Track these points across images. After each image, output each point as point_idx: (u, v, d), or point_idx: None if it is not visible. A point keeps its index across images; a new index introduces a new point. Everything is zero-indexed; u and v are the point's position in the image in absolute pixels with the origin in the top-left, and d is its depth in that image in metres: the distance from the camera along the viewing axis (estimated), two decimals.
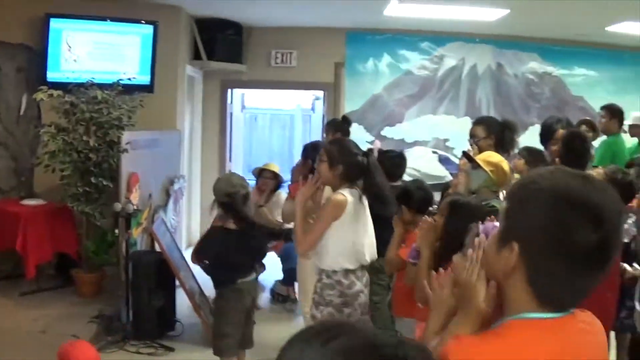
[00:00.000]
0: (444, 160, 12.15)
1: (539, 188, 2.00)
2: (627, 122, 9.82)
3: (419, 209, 5.66)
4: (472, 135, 6.80)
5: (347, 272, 5.45)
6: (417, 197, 5.77)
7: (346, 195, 5.37)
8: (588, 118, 9.78)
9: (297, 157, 11.40)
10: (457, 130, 12.13)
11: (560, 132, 7.00)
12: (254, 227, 6.11)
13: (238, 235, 6.01)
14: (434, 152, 12.14)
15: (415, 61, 12.26)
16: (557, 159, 6.27)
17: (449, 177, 11.06)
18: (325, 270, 5.46)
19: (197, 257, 6.28)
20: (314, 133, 14.79)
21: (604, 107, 9.36)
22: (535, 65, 12.52)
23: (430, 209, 5.78)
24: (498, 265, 2.08)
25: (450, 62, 12.35)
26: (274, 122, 16.65)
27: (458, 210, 4.61)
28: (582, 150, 6.34)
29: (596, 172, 5.87)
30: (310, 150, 7.17)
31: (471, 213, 4.42)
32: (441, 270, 3.50)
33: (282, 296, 9.50)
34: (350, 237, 5.45)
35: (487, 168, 5.70)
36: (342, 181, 5.44)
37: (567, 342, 2.00)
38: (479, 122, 7.01)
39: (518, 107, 12.46)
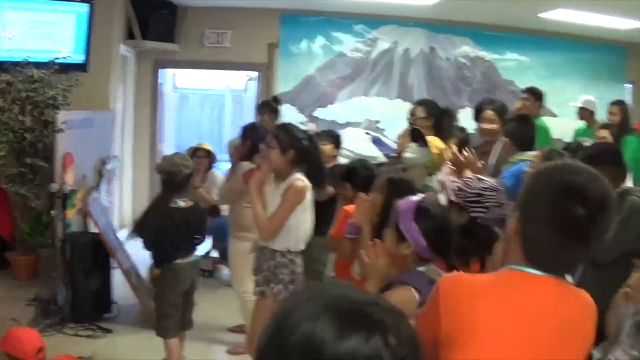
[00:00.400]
0: (376, 141, 12.20)
1: (540, 171, 2.51)
2: (575, 104, 10.13)
3: (363, 187, 5.76)
4: (412, 114, 7.07)
5: (298, 252, 5.68)
6: (361, 175, 5.89)
7: (305, 180, 5.55)
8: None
9: (227, 138, 11.34)
10: (388, 112, 12.30)
11: (488, 112, 7.11)
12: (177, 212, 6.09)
13: (181, 214, 6.05)
14: (367, 134, 12.18)
15: (348, 43, 12.30)
16: (505, 138, 6.39)
17: (382, 158, 11.15)
18: (280, 250, 5.61)
19: (137, 230, 6.30)
20: (245, 114, 14.71)
21: (527, 90, 9.57)
22: (467, 49, 12.68)
23: None
24: (510, 226, 2.51)
25: (383, 44, 12.41)
26: (204, 103, 16.54)
27: (396, 187, 4.77)
28: (532, 133, 6.51)
29: (534, 154, 5.97)
30: (249, 131, 7.19)
31: (409, 189, 4.63)
32: (376, 240, 3.65)
33: (208, 271, 9.62)
34: (307, 220, 5.69)
35: (434, 150, 5.91)
36: (292, 166, 5.59)
37: (534, 295, 2.40)
38: (420, 103, 7.33)
39: (449, 90, 12.60)
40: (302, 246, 5.70)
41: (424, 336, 1.92)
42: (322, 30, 12.14)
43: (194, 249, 6.35)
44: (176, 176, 5.99)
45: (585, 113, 10.06)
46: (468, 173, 5.39)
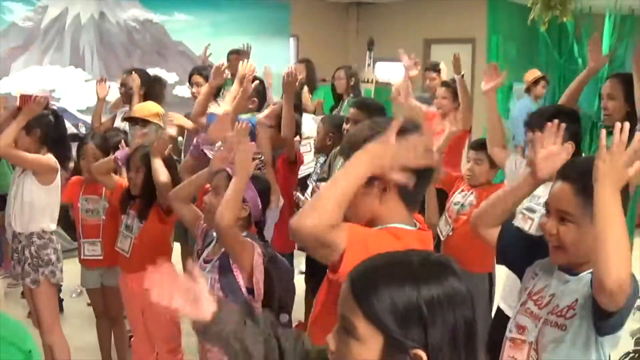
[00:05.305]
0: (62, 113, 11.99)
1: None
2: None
3: None
4: (123, 84, 7.63)
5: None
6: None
7: (53, 159, 5.56)
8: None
9: None
10: (63, 81, 12.18)
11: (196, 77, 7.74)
12: None
13: None
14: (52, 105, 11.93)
15: (19, 12, 11.86)
16: None
17: (72, 129, 11.17)
18: (36, 231, 5.60)
19: None
20: None
21: (232, 52, 10.07)
22: (136, 12, 12.79)
23: None
24: (369, 198, 2.58)
25: (54, 12, 12.11)
26: None
27: None
28: None
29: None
30: None
31: None
32: None
33: None
34: (58, 200, 5.77)
35: (155, 120, 6.46)
36: (40, 145, 5.61)
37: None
38: (132, 72, 7.78)
39: (121, 54, 12.64)
40: (54, 226, 5.70)
41: None
42: None
43: None
44: None
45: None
46: None
